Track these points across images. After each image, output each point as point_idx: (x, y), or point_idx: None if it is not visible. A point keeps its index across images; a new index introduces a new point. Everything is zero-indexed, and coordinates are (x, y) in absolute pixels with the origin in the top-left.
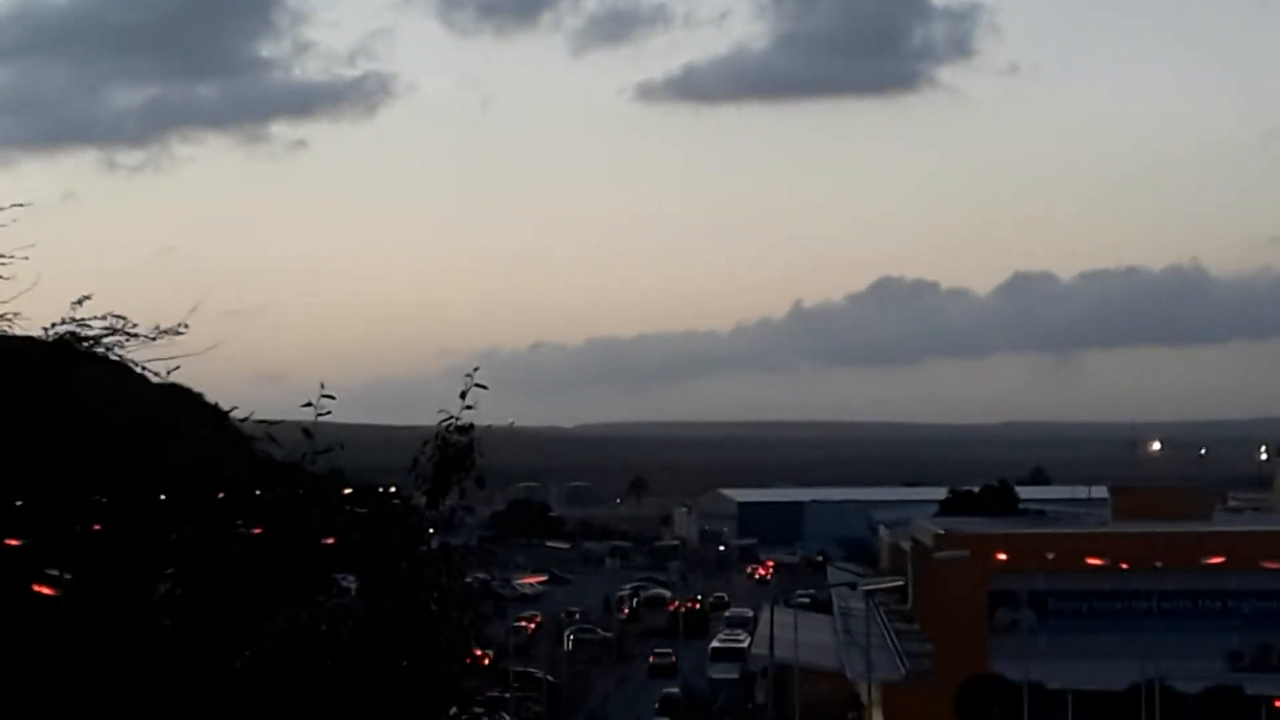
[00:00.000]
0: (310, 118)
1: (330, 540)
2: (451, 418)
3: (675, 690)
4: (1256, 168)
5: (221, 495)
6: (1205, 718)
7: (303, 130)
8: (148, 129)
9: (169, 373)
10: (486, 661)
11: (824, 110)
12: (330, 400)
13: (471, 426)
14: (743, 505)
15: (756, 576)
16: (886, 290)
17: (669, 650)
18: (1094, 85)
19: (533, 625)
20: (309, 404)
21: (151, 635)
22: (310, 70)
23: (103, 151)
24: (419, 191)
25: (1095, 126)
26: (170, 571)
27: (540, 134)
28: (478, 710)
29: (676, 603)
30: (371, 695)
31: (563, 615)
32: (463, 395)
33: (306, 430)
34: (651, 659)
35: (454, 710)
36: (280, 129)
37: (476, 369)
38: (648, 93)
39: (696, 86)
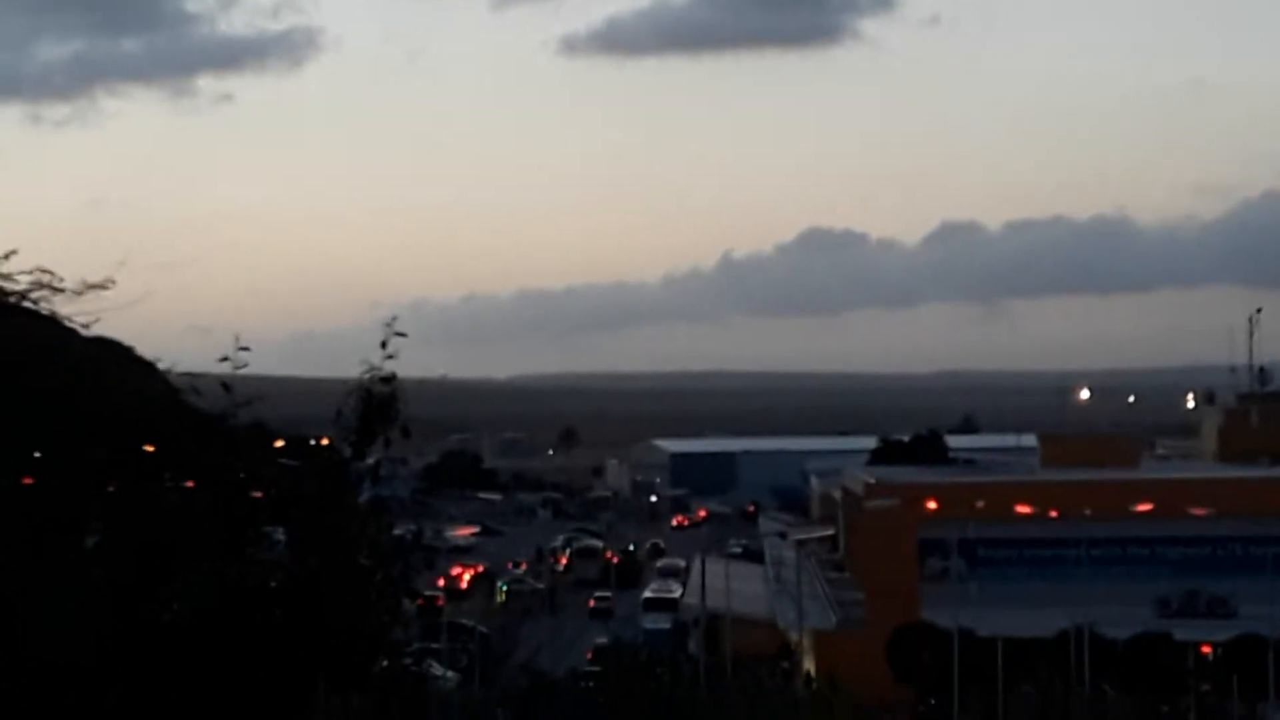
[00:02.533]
0: (236, 71)
1: (259, 493)
2: (374, 368)
3: (607, 640)
4: (1179, 117)
5: (150, 448)
6: (1133, 664)
7: (229, 84)
8: (73, 83)
9: (92, 325)
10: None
11: (748, 62)
12: (246, 353)
13: (394, 377)
14: (675, 456)
15: (675, 524)
16: (815, 241)
17: (608, 594)
18: (1016, 35)
19: (469, 576)
20: (225, 358)
21: (80, 588)
22: (236, 24)
23: (28, 105)
24: (346, 145)
25: (1018, 76)
26: (99, 524)
27: (467, 87)
28: (407, 661)
29: (610, 553)
30: (300, 647)
31: (509, 566)
32: (383, 345)
33: (225, 384)
34: (592, 603)
35: (384, 661)
36: (206, 83)
37: (395, 318)
38: (572, 45)
39: (620, 39)
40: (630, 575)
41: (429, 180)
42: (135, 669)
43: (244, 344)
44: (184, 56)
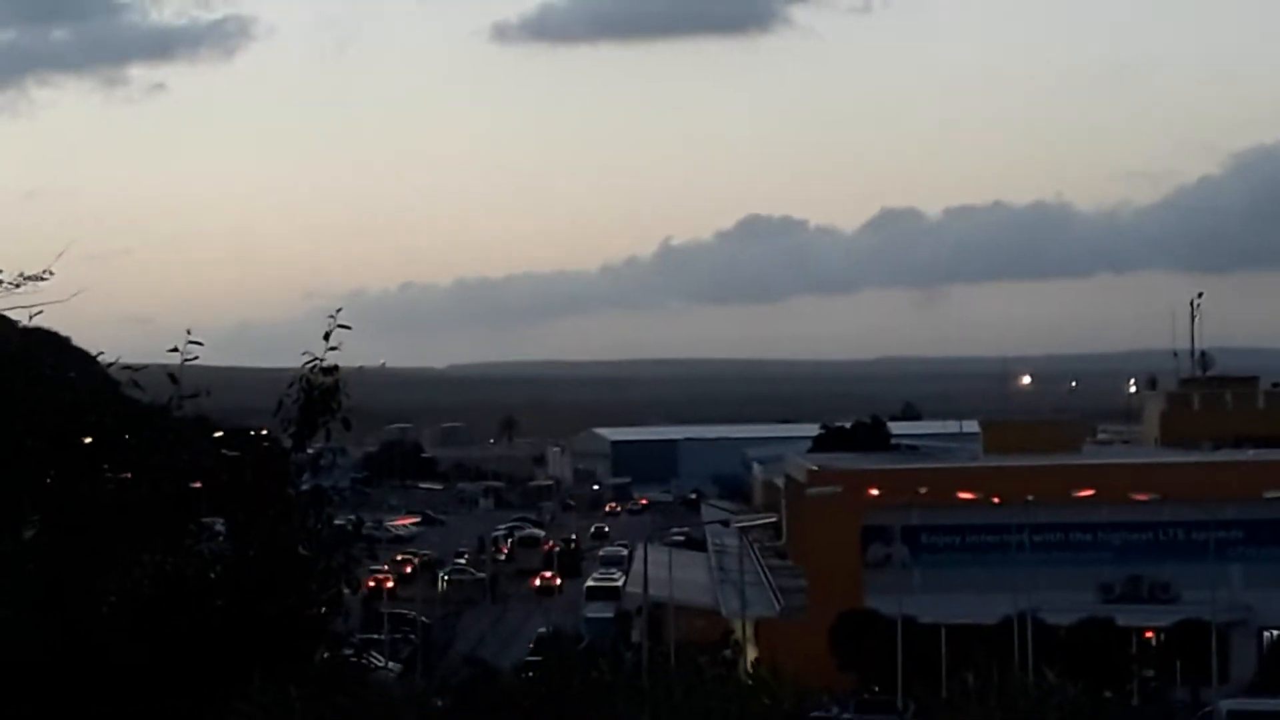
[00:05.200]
0: (169, 61)
1: (198, 484)
2: (315, 359)
3: (548, 630)
4: (1113, 102)
5: (88, 439)
6: (1077, 650)
7: (161, 73)
8: (4, 73)
9: (32, 317)
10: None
11: (682, 50)
12: (197, 346)
13: (336, 368)
14: (616, 444)
15: (607, 510)
16: (754, 228)
17: (551, 573)
18: (949, 20)
19: (410, 566)
20: (175, 349)
21: (16, 580)
22: (167, 13)
23: None
24: (281, 133)
25: (954, 62)
26: (35, 516)
27: (400, 75)
28: (348, 652)
29: (551, 542)
30: (240, 639)
31: (454, 555)
32: (326, 336)
33: (172, 375)
34: (536, 582)
35: (325, 652)
36: (138, 72)
37: (340, 310)
38: (503, 33)
39: (552, 27)
40: (572, 564)
41: (364, 169)
42: (72, 661)
43: (192, 336)
44: (116, 46)
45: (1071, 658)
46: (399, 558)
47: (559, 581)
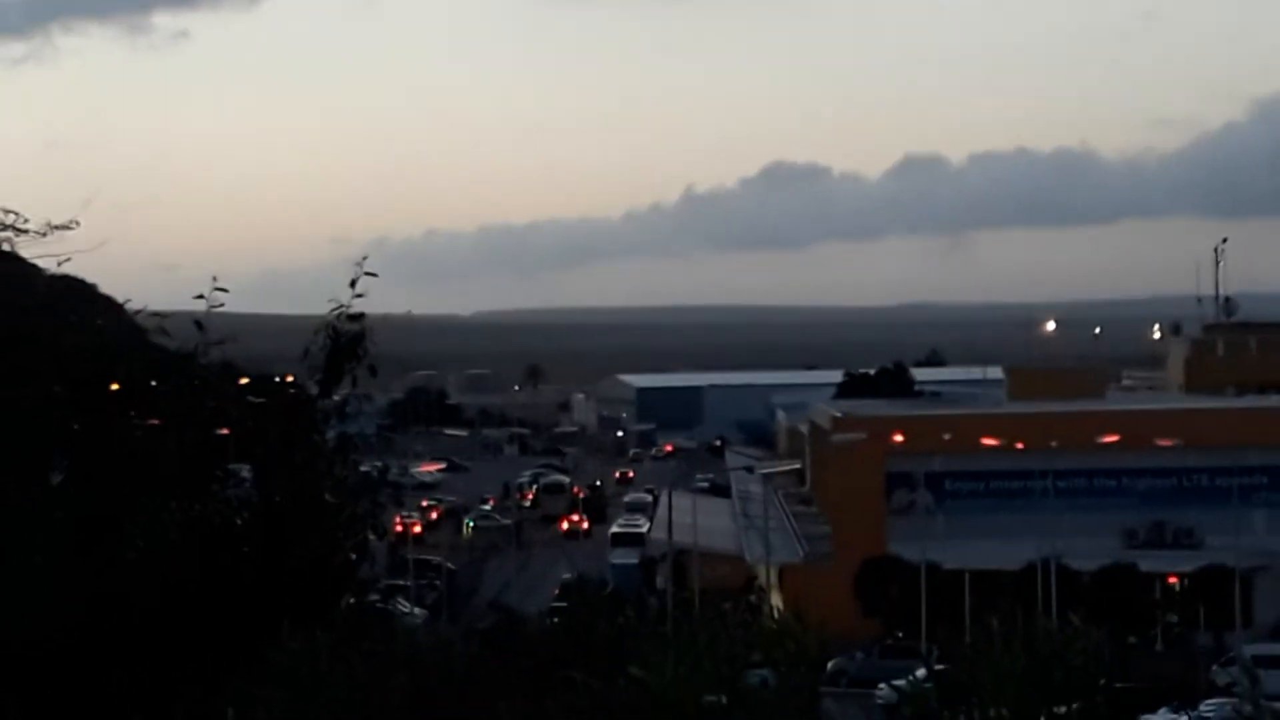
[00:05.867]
0: (193, 8)
1: (224, 431)
2: (342, 306)
3: (573, 576)
4: (1134, 48)
5: (115, 387)
6: (1100, 595)
7: (185, 21)
8: (29, 20)
9: (60, 265)
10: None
11: None
12: (223, 293)
13: (362, 315)
14: (641, 390)
15: (631, 456)
16: (778, 174)
17: (578, 517)
18: None
19: (436, 512)
20: (201, 296)
21: (46, 527)
22: None
23: None
24: (306, 81)
25: (977, 8)
26: (63, 463)
27: (425, 22)
28: (375, 598)
29: (577, 488)
30: (266, 585)
31: (479, 502)
32: (353, 284)
33: (199, 322)
34: (565, 526)
35: (350, 598)
36: (163, 20)
37: (366, 258)
38: None
39: None
40: (597, 510)
41: (389, 116)
42: (100, 607)
43: (218, 283)
44: None
45: (1095, 603)
46: (424, 504)
47: (587, 525)
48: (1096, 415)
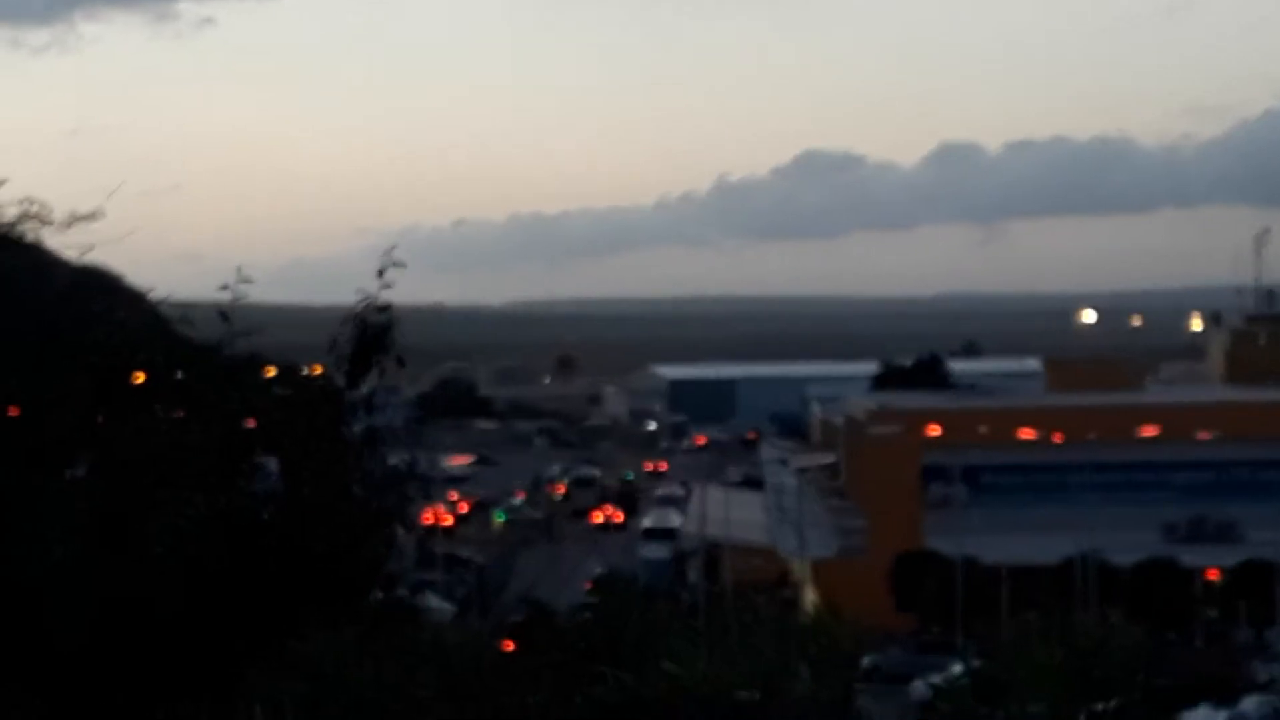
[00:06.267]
0: None
1: (250, 423)
2: (370, 297)
3: (605, 570)
4: (1172, 35)
5: (139, 379)
6: (1139, 590)
7: (210, 7)
8: (52, 8)
9: (83, 254)
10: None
11: None
12: (248, 283)
13: (390, 306)
14: (674, 382)
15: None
16: (812, 164)
17: (613, 510)
18: None
19: (466, 505)
20: (226, 286)
21: (69, 520)
22: None
23: (7, 30)
24: (332, 68)
25: None
26: (87, 456)
27: (453, 8)
28: (403, 592)
29: (609, 483)
30: (295, 579)
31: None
32: (381, 274)
33: (224, 313)
34: (599, 518)
35: (378, 593)
36: (187, 6)
37: (394, 247)
38: None
39: None
40: (629, 504)
41: (417, 104)
42: (125, 601)
43: (244, 273)
44: None
45: (1134, 598)
46: (454, 498)
47: (622, 518)
48: (1135, 408)
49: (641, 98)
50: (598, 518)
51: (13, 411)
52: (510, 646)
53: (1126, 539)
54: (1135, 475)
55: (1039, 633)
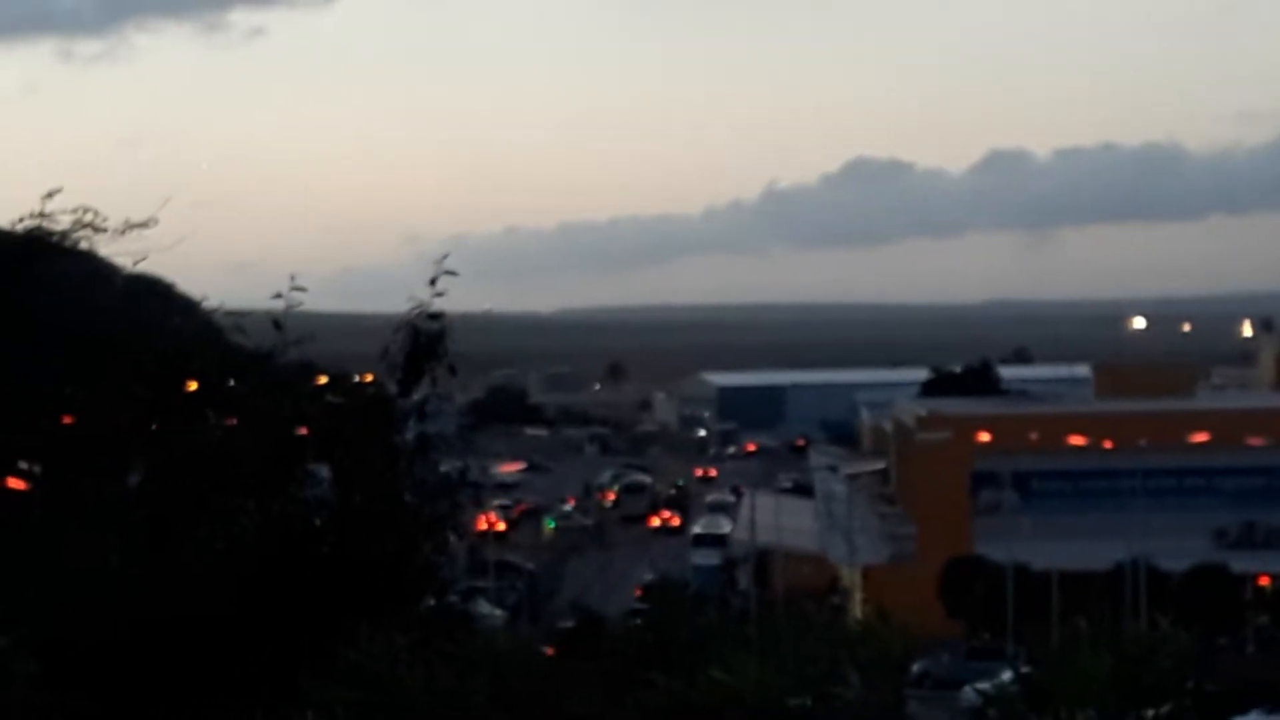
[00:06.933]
0: (268, 5)
1: (302, 430)
2: (421, 305)
3: (655, 577)
4: (1221, 41)
5: (192, 386)
6: (1190, 596)
7: (261, 18)
8: (104, 18)
9: (136, 263)
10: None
11: None
12: (301, 292)
13: (442, 314)
14: (723, 389)
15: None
16: (861, 171)
17: (671, 514)
18: None
19: (518, 511)
20: (279, 295)
21: (123, 527)
22: None
23: (60, 41)
24: (382, 77)
25: (1067, 1)
26: (141, 463)
27: (502, 17)
28: (454, 599)
29: (659, 490)
30: (346, 586)
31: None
32: (433, 282)
33: (277, 322)
34: (657, 522)
35: (430, 599)
36: (239, 17)
37: (446, 256)
38: None
39: None
40: (680, 510)
41: (467, 113)
42: (179, 608)
43: (296, 282)
44: None
45: (1184, 605)
46: (503, 503)
47: (679, 522)
48: (1186, 413)
49: (691, 106)
50: (654, 522)
51: (68, 419)
52: (553, 653)
53: (1177, 545)
54: (1185, 481)
55: (1088, 639)
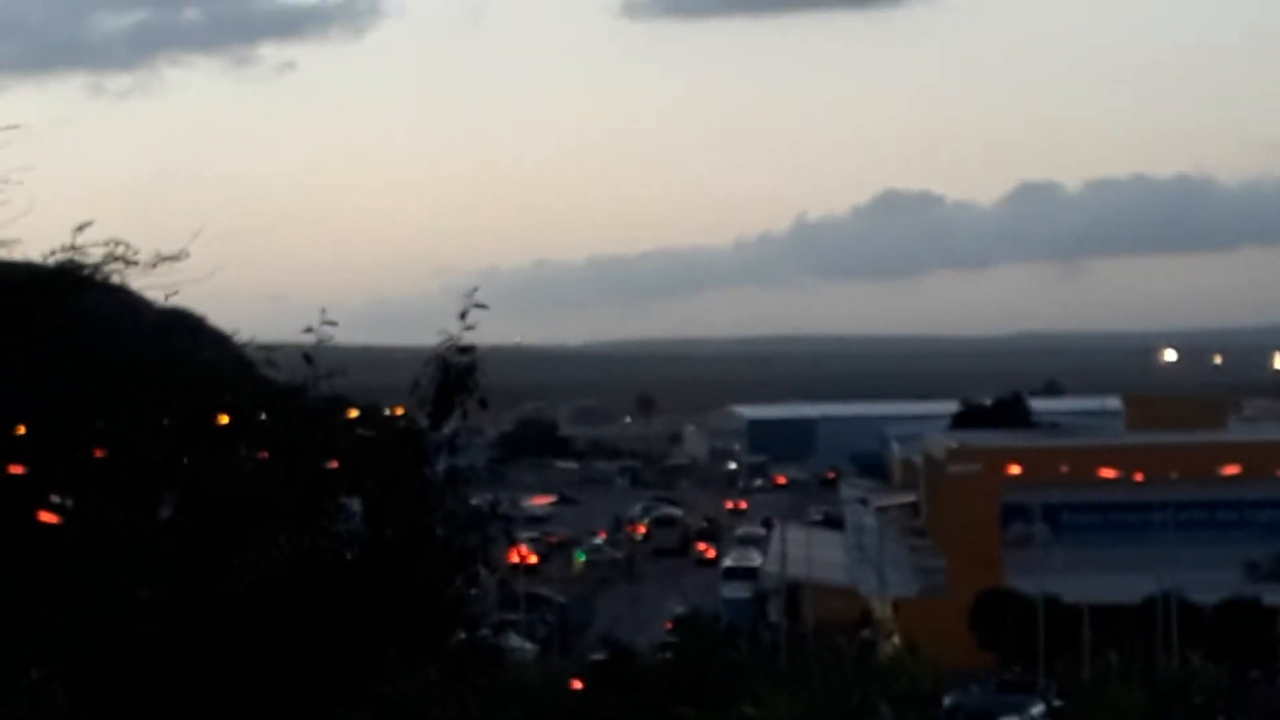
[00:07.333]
0: (299, 39)
1: (334, 464)
2: (452, 338)
3: (685, 610)
4: (1252, 71)
5: (224, 419)
6: (1222, 629)
7: (291, 51)
8: (135, 53)
9: (168, 297)
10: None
11: (814, 24)
12: (332, 326)
13: (473, 347)
14: (753, 422)
15: (741, 488)
16: (890, 203)
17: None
18: None
19: (549, 544)
20: (310, 329)
21: (154, 560)
22: None
23: (91, 76)
24: (412, 111)
25: (1091, 32)
26: (172, 496)
27: (531, 51)
28: (485, 632)
29: (690, 522)
30: (377, 620)
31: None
32: (463, 315)
33: (308, 355)
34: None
35: (461, 633)
36: (269, 51)
37: (476, 289)
38: (633, 8)
39: (681, 1)
40: (712, 543)
41: (495, 146)
42: (209, 641)
43: (326, 315)
44: (246, 25)
45: (1216, 638)
46: (533, 536)
47: (715, 554)
48: (1217, 446)
49: (721, 138)
50: (692, 553)
51: (99, 452)
52: (580, 685)
53: (1208, 578)
54: (1217, 513)
55: (1119, 673)
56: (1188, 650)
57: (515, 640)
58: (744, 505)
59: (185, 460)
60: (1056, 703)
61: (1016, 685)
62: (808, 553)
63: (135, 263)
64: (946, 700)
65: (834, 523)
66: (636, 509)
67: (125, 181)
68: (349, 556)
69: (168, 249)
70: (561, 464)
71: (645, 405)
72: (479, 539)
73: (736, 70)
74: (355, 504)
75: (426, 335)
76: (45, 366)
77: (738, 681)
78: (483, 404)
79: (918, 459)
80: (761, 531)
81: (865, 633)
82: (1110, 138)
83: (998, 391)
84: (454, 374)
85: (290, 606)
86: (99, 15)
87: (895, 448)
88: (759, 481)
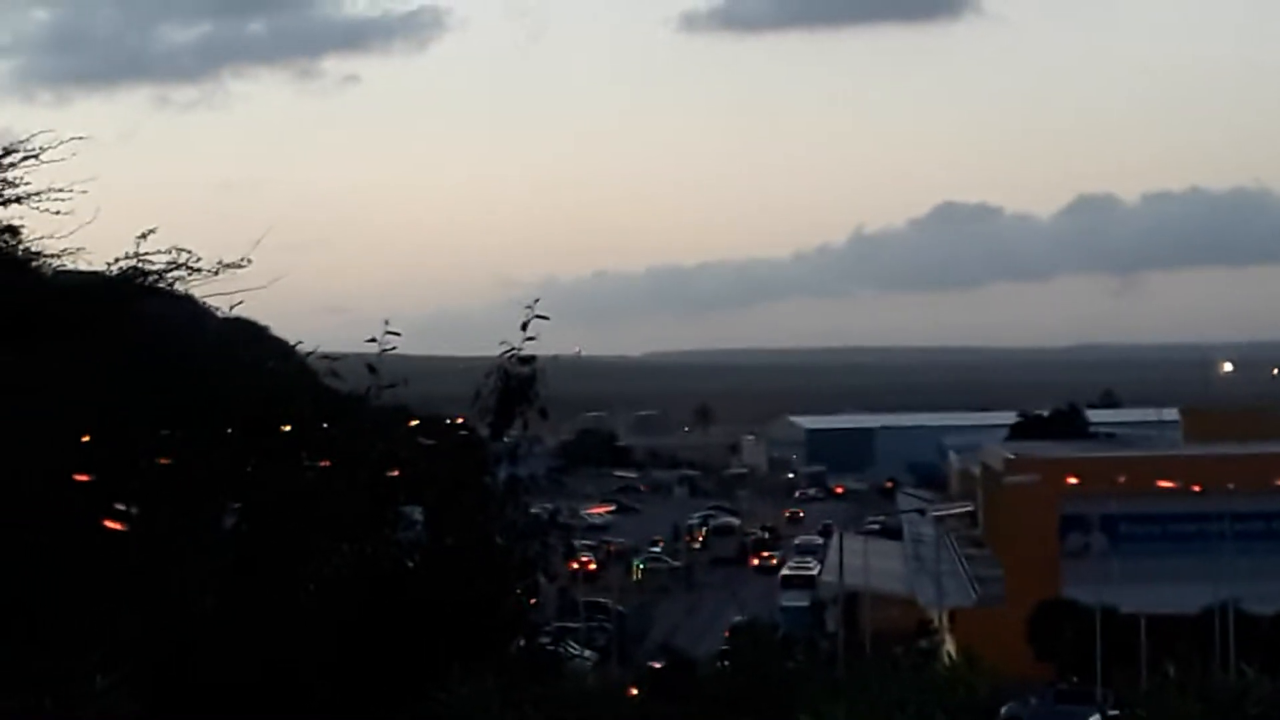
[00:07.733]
0: (363, 52)
1: (396, 472)
2: (513, 349)
3: (743, 619)
4: None
5: (287, 428)
6: (1279, 640)
7: (355, 64)
8: (201, 65)
9: (233, 307)
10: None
11: (872, 38)
12: (395, 336)
13: (534, 358)
14: (811, 432)
15: (798, 497)
16: (948, 215)
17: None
18: (1143, 3)
19: (607, 552)
20: (373, 339)
21: (218, 567)
22: (361, 6)
23: (156, 88)
24: (474, 123)
25: (1148, 46)
26: (236, 504)
27: (591, 65)
28: (545, 640)
29: (748, 531)
30: (438, 628)
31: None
32: (524, 326)
33: (371, 365)
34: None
35: (521, 641)
36: (332, 64)
37: (537, 300)
38: (692, 22)
39: (739, 16)
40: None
41: (556, 158)
42: (273, 648)
43: (389, 326)
44: (309, 38)
45: (1273, 649)
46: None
47: (776, 561)
48: (1275, 457)
49: (779, 151)
50: (754, 561)
51: (164, 460)
52: (637, 693)
53: (1266, 589)
54: (1274, 525)
55: (1176, 684)
56: (1244, 661)
57: (574, 648)
58: (801, 514)
59: (249, 469)
60: (1113, 714)
61: (1074, 696)
62: (865, 562)
63: (198, 270)
64: (1004, 711)
65: (891, 532)
66: (695, 518)
67: (189, 193)
68: (410, 565)
69: (231, 259)
70: (620, 473)
71: (704, 415)
72: (539, 548)
73: (794, 84)
74: (416, 513)
75: (488, 346)
76: (111, 374)
77: (795, 690)
78: (543, 414)
79: (975, 469)
80: (819, 540)
81: (923, 643)
82: (1167, 150)
83: (1055, 403)
84: (515, 384)
85: (352, 614)
86: (165, 28)
87: (953, 458)
88: (813, 490)
